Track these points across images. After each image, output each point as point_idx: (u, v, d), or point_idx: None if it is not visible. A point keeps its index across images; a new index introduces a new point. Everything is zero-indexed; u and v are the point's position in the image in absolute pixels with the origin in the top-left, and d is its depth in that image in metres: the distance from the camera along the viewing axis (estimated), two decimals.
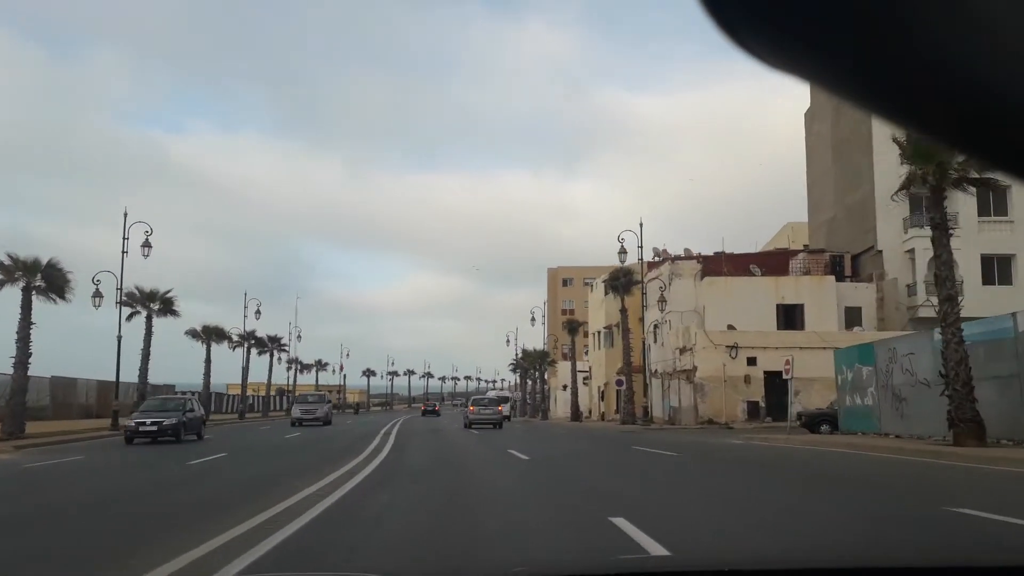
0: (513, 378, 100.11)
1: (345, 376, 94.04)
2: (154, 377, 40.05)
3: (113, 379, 33.66)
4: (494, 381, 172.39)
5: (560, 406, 69.62)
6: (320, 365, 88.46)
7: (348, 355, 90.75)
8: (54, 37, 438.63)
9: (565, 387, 66.60)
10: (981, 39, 0.47)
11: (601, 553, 6.17)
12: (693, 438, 25.84)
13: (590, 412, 61.78)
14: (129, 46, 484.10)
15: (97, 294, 34.17)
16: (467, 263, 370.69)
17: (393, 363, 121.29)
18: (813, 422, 26.83)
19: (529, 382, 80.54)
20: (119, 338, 33.60)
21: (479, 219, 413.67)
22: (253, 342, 64.12)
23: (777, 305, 38.81)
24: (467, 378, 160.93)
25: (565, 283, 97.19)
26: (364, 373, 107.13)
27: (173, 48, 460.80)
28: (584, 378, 62.62)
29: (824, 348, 31.07)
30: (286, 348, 72.13)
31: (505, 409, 58.68)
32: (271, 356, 69.85)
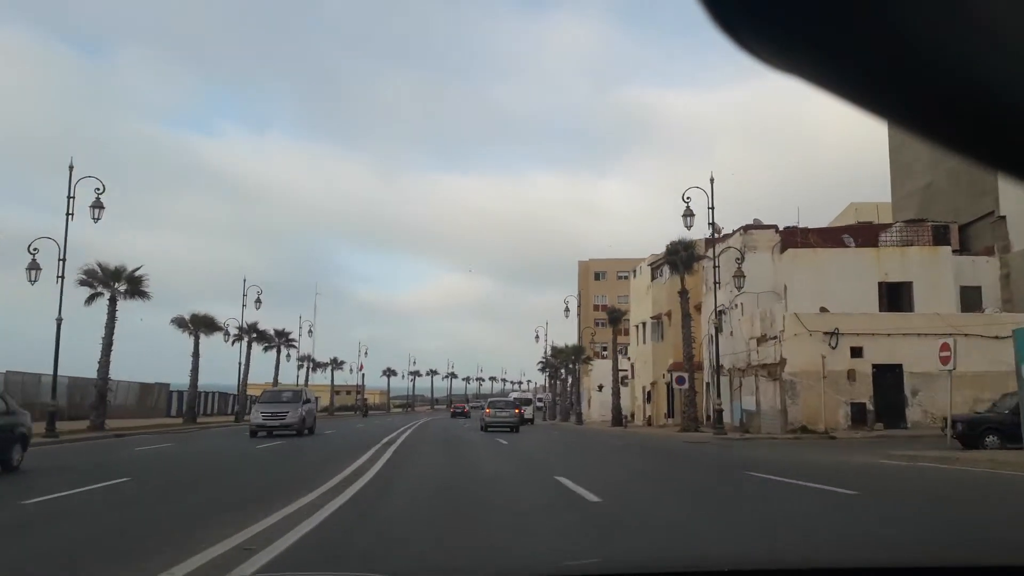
0: (542, 379, 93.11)
1: (364, 375, 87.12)
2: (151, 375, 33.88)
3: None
4: (519, 382, 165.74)
5: (596, 408, 62.92)
6: (336, 364, 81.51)
7: (367, 353, 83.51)
8: (84, 38, 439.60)
9: (601, 387, 60.65)
10: (980, 39, 0.47)
11: None
12: (809, 455, 18.34)
13: (631, 416, 54.36)
14: (157, 47, 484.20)
15: (34, 266, 27.51)
16: (494, 264, 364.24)
17: (415, 362, 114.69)
18: (975, 432, 19.21)
19: (559, 383, 73.65)
20: (58, 321, 26.91)
21: (507, 220, 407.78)
22: (255, 335, 57.30)
23: (879, 283, 31.08)
24: (492, 379, 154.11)
25: (598, 276, 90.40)
26: (384, 373, 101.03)
27: (200, 49, 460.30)
28: (623, 378, 55.08)
29: (949, 334, 23.31)
30: (295, 343, 65.25)
31: (527, 411, 51.84)
32: (278, 352, 63.10)
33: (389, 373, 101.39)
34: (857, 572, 2.10)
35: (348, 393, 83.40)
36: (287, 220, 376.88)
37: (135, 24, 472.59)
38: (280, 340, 63.29)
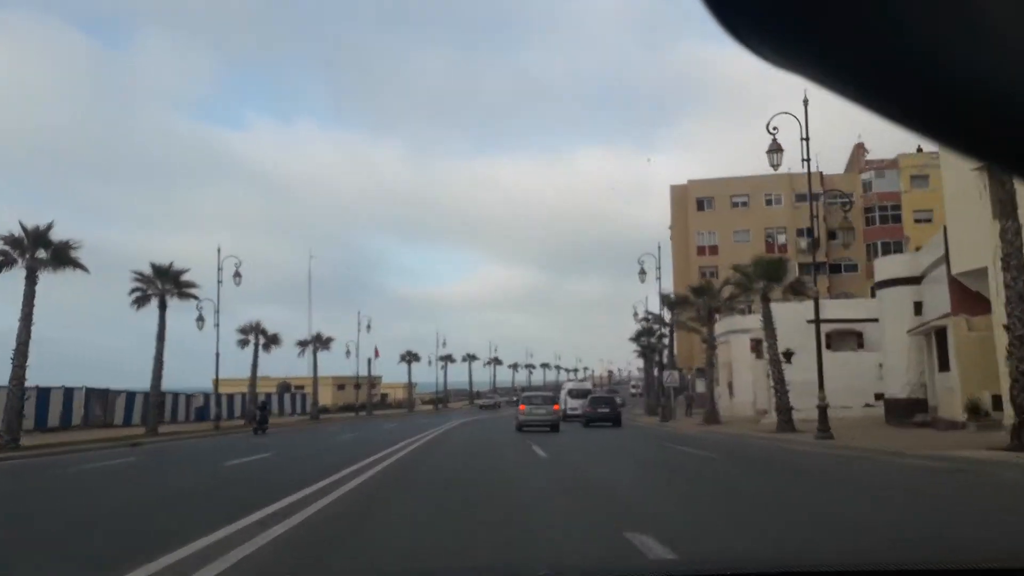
0: (632, 364, 78.20)
1: (373, 361, 71.07)
2: None
3: None
4: (575, 370, 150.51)
5: (740, 395, 43.63)
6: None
7: (369, 327, 64.20)
8: (103, 25, 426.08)
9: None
10: (982, 37, 0.47)
11: None
12: None
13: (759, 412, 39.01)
14: (175, 31, 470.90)
15: None
16: (539, 252, 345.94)
17: (445, 343, 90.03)
18: None
19: (656, 365, 57.83)
20: None
21: (550, 203, 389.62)
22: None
23: None
24: (544, 366, 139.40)
25: (701, 206, 62.78)
26: (404, 358, 78.41)
27: (220, 32, 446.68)
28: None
29: None
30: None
31: (578, 405, 40.85)
32: (314, 351, 52.20)
33: (410, 358, 78.57)
34: (857, 572, 2.17)
35: (358, 387, 68.30)
36: (320, 213, 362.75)
37: (151, 5, 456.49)
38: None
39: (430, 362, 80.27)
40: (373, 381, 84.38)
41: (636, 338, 66.35)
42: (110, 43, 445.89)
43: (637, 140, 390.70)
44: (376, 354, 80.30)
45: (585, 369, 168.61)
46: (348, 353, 64.25)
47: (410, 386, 77.68)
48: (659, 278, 47.24)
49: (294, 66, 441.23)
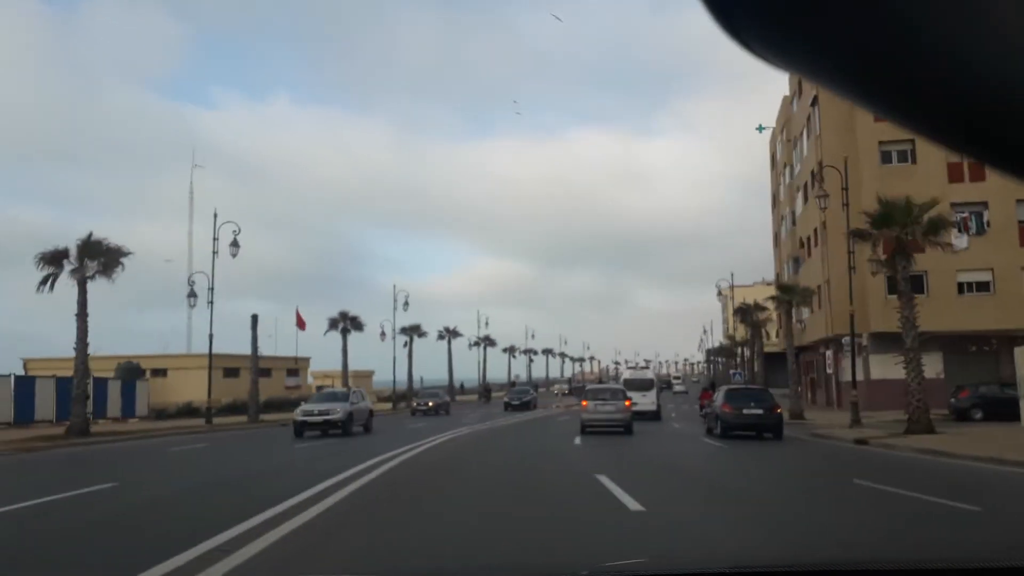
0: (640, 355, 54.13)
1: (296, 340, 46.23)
2: None
3: None
4: (582, 359, 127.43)
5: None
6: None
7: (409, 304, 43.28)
8: None
9: None
10: (983, 36, 0.47)
11: None
12: None
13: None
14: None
15: None
16: (531, 244, 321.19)
17: (488, 323, 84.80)
18: None
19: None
20: None
21: (543, 189, 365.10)
22: None
23: None
24: (547, 352, 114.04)
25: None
26: (404, 332, 58.51)
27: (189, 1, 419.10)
28: None
29: None
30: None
31: (646, 400, 32.53)
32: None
33: (412, 333, 59.50)
34: (858, 573, 2.11)
35: (260, 375, 43.01)
36: (300, 200, 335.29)
37: None
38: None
39: (383, 333, 54.75)
40: (297, 363, 58.68)
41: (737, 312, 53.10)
42: (60, 6, 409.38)
43: (634, 120, 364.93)
44: (300, 323, 54.78)
45: (592, 358, 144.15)
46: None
47: (410, 381, 51.02)
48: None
49: (266, 36, 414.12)
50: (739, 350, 65.18)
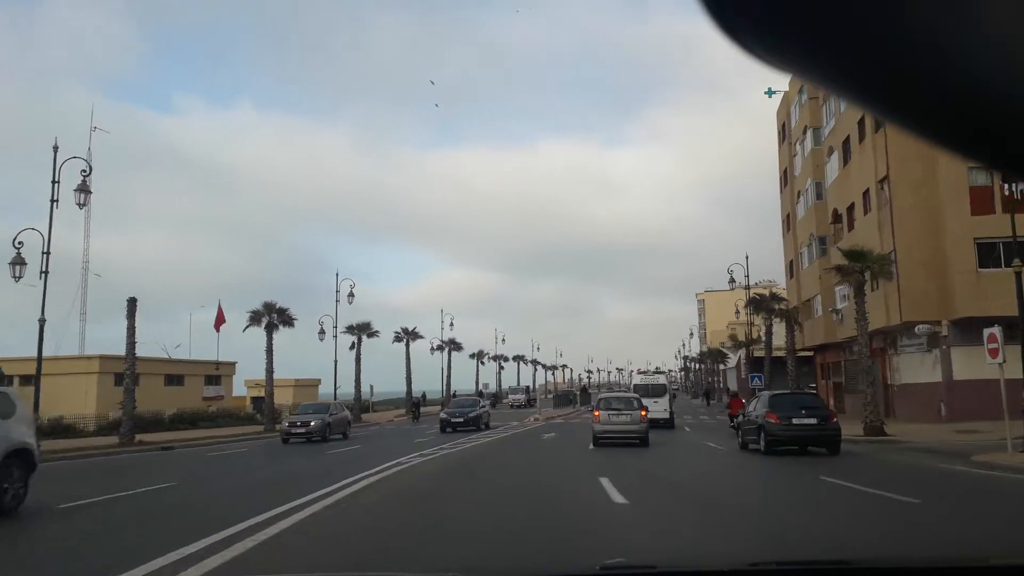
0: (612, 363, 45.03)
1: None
2: None
3: None
4: (554, 367, 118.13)
5: None
6: None
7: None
8: None
9: None
10: (984, 40, 0.46)
11: None
12: None
13: None
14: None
15: None
16: (503, 255, 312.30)
17: (453, 320, 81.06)
18: None
19: None
20: None
21: (512, 199, 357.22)
22: None
23: None
24: (518, 359, 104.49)
25: None
26: (351, 331, 46.40)
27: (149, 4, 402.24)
28: None
29: None
30: None
31: (658, 407, 30.77)
32: None
33: (361, 333, 46.72)
34: (858, 572, 2.09)
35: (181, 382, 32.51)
36: (261, 207, 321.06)
37: None
38: None
39: (322, 331, 44.57)
40: (219, 368, 48.44)
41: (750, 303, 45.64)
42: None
43: (604, 129, 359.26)
44: (218, 321, 44.66)
45: (564, 367, 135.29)
46: None
47: (269, 372, 40.02)
48: None
49: (228, 37, 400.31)
50: (745, 351, 56.36)
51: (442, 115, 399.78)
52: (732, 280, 44.36)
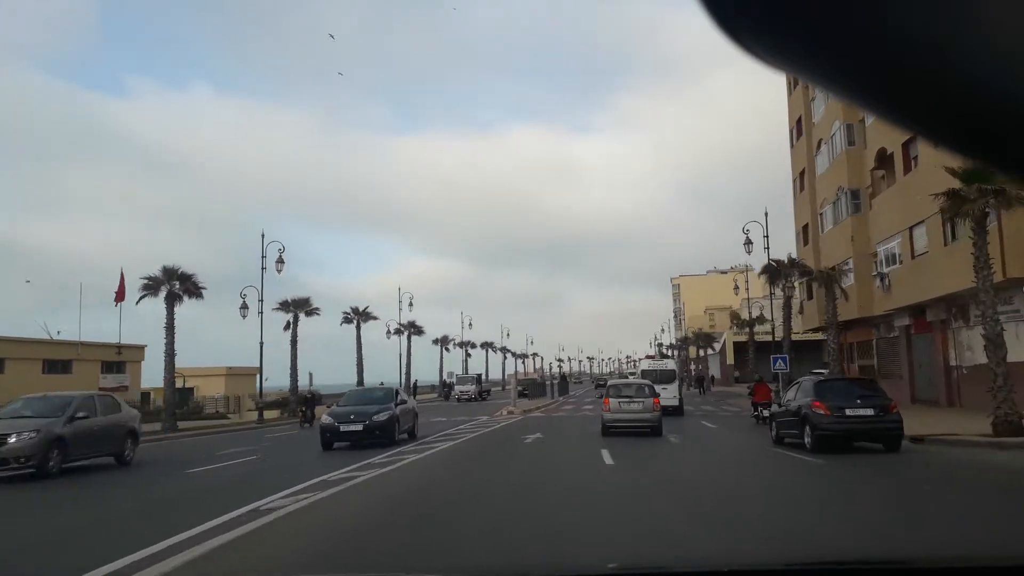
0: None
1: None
2: None
3: None
4: (524, 355, 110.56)
5: None
6: None
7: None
8: None
9: None
10: (982, 39, 0.47)
11: None
12: None
13: None
14: None
15: None
16: (470, 244, 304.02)
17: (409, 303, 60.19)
18: None
19: None
20: None
21: (478, 187, 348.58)
22: None
23: None
24: (486, 346, 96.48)
25: None
26: (284, 308, 39.76)
27: None
28: None
29: None
30: None
31: (667, 394, 28.92)
32: None
33: (297, 311, 39.99)
34: (858, 572, 2.07)
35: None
36: (218, 195, 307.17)
37: None
38: None
39: (244, 305, 36.09)
40: (121, 352, 39.88)
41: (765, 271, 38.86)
42: None
43: (572, 116, 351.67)
44: (120, 293, 36.13)
45: (535, 355, 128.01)
46: None
47: (169, 357, 30.60)
48: None
49: (183, 21, 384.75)
50: (749, 330, 48.99)
51: (406, 100, 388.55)
52: (749, 242, 36.63)
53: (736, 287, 51.30)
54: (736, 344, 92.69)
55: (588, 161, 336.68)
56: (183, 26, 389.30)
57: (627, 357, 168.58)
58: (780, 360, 33.44)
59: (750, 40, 0.50)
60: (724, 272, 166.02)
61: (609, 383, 25.54)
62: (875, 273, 32.04)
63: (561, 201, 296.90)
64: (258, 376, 36.34)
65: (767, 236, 36.61)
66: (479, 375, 66.83)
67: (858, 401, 16.69)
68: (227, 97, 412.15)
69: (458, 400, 57.21)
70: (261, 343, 35.26)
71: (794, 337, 55.03)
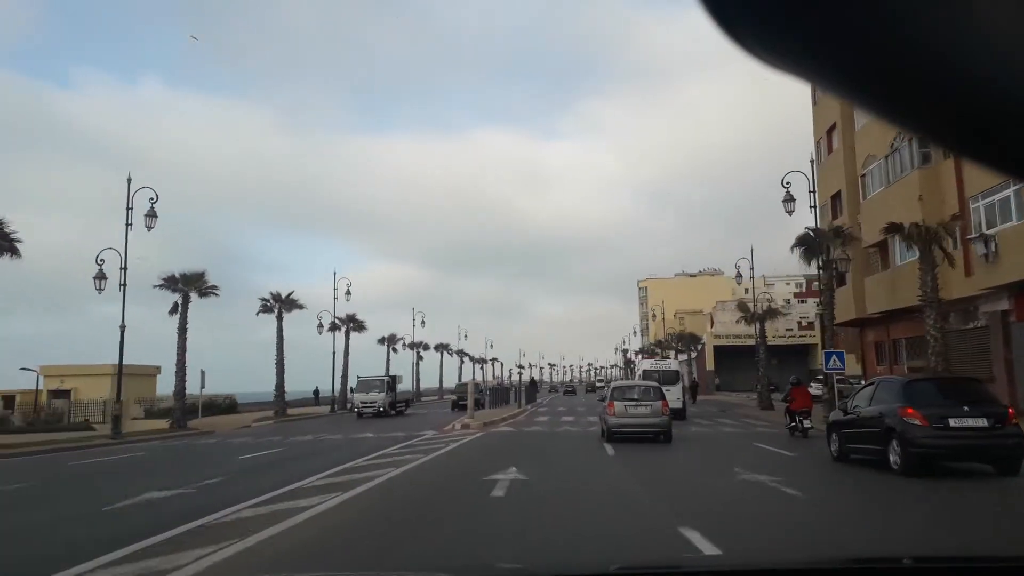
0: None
1: None
2: None
3: None
4: (484, 360, 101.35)
5: None
6: None
7: None
8: None
9: None
10: (983, 39, 0.47)
11: None
12: None
13: None
14: None
15: None
16: (432, 249, 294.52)
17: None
18: None
19: None
20: None
21: (442, 190, 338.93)
22: None
23: None
24: (442, 348, 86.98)
25: None
26: (168, 286, 31.66)
27: None
28: None
29: None
30: None
31: (671, 396, 25.35)
32: None
33: (185, 290, 32.02)
34: (858, 571, 2.04)
35: None
36: (172, 193, 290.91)
37: None
38: None
39: (104, 275, 26.46)
40: None
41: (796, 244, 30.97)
42: None
43: (538, 120, 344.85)
44: None
45: (495, 360, 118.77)
46: None
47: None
48: None
49: (135, 9, 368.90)
50: (760, 326, 40.56)
51: (370, 99, 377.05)
52: (790, 198, 28.15)
53: (739, 275, 42.72)
54: (717, 348, 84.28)
55: (554, 166, 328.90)
56: (137, 19, 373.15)
57: (550, 365, 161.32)
58: (835, 356, 24.81)
59: (750, 40, 0.50)
60: (693, 275, 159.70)
61: (613, 385, 24.81)
62: (972, 236, 23.49)
63: (526, 206, 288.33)
64: (118, 372, 26.48)
65: (813, 191, 27.96)
66: (393, 377, 46.96)
67: (965, 409, 13.21)
68: (183, 92, 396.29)
69: (359, 415, 40.58)
70: (122, 327, 25.43)
71: (771, 341, 46.91)
